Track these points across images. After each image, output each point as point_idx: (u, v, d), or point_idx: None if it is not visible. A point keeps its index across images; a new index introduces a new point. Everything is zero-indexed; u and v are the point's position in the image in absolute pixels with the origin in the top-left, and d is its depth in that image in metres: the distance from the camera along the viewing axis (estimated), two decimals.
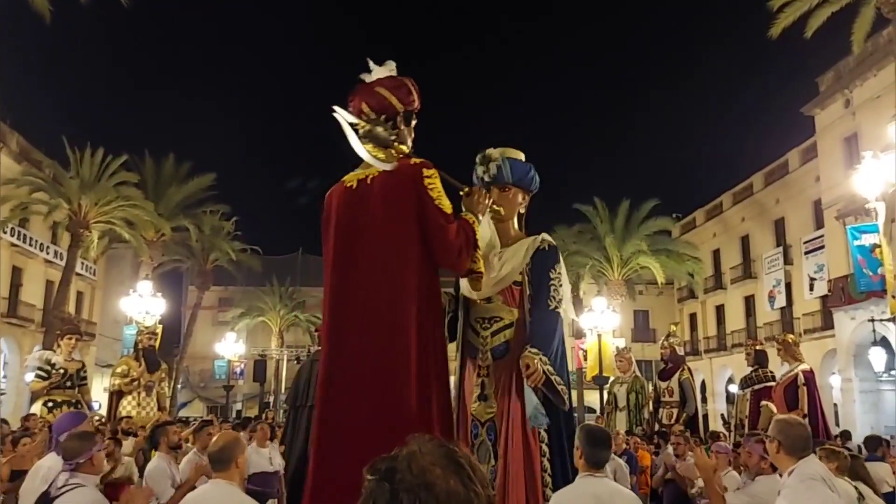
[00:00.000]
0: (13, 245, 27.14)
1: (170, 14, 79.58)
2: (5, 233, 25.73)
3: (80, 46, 67.71)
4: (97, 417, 10.82)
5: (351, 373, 3.33)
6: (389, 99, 3.64)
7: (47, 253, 29.43)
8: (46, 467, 4.38)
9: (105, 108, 72.85)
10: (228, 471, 3.53)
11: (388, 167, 3.48)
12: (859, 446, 8.91)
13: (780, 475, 3.66)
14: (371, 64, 3.73)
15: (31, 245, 28.28)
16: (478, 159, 4.17)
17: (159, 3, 74.49)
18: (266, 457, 7.69)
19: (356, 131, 3.60)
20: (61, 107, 56.57)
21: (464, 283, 3.97)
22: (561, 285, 3.99)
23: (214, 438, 3.82)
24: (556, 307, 3.90)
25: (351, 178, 3.63)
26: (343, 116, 3.59)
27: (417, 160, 3.54)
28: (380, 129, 3.61)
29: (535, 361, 3.56)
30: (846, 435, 12.17)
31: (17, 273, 28.17)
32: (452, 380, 3.73)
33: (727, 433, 11.07)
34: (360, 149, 3.54)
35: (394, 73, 3.72)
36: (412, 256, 3.42)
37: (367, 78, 3.72)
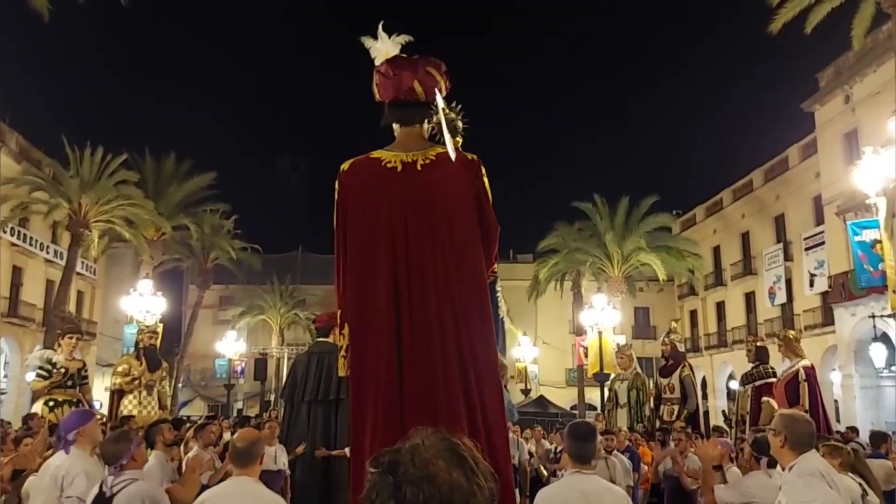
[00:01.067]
0: (13, 244, 27.15)
1: (169, 12, 79.61)
2: (5, 232, 25.73)
3: (79, 45, 67.75)
4: (98, 416, 10.83)
5: (419, 373, 3.14)
6: (440, 83, 3.50)
7: (47, 252, 29.43)
8: (55, 466, 4.37)
9: (105, 107, 72.84)
10: (252, 467, 3.59)
11: (453, 156, 3.37)
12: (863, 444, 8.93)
13: (782, 469, 3.66)
14: (381, 32, 3.53)
15: (31, 244, 28.28)
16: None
17: (159, 1, 74.51)
18: (271, 455, 7.70)
19: (423, 111, 3.47)
20: (61, 106, 56.61)
21: None
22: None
23: (238, 434, 3.89)
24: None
25: (390, 158, 3.44)
26: (439, 100, 3.41)
27: (471, 154, 3.50)
28: (452, 115, 3.56)
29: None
30: (854, 430, 12.18)
31: (17, 272, 28.19)
32: None
33: (728, 429, 11.07)
34: (448, 135, 3.39)
35: (398, 51, 3.56)
36: (478, 253, 3.39)
37: (378, 48, 3.54)
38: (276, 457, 7.62)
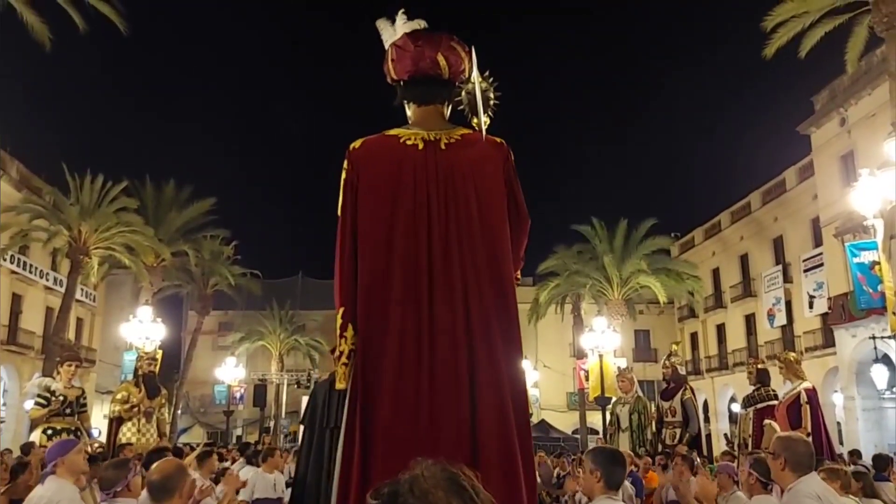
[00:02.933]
0: (13, 272, 27.14)
1: (169, 40, 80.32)
2: (5, 260, 25.73)
3: (79, 73, 68.27)
4: (97, 444, 10.75)
5: (442, 381, 2.78)
6: (464, 62, 3.23)
7: (47, 280, 29.42)
8: (37, 496, 4.33)
9: (105, 135, 73.22)
10: (170, 501, 3.35)
11: (484, 132, 3.13)
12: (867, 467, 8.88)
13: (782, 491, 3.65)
14: (400, 15, 3.24)
15: (31, 272, 28.27)
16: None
17: (158, 30, 75.25)
18: (271, 482, 7.66)
19: (452, 87, 3.19)
20: (61, 134, 56.93)
21: None
22: None
23: (156, 466, 3.58)
24: None
25: (408, 136, 3.13)
26: (475, 69, 3.19)
27: (498, 138, 3.19)
28: (486, 85, 3.30)
29: None
30: (856, 454, 12.11)
31: (16, 300, 28.14)
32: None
33: (734, 453, 11.00)
34: (482, 110, 3.16)
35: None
36: (508, 244, 3.07)
37: (392, 31, 3.24)
38: (276, 484, 7.58)
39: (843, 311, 23.29)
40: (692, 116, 79.58)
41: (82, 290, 29.72)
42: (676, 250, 36.62)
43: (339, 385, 2.95)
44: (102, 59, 78.29)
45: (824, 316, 25.94)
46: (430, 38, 3.17)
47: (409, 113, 3.30)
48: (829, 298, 24.91)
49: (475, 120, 3.26)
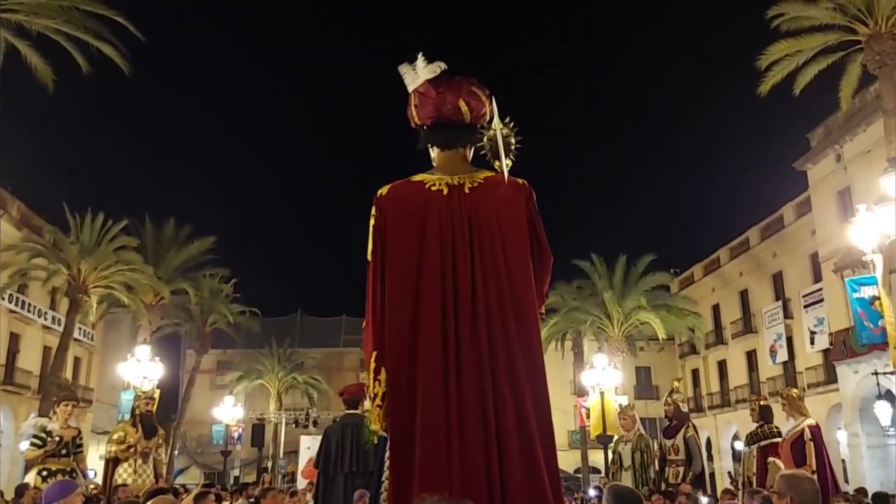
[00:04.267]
0: (11, 311, 27.04)
1: (170, 80, 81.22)
2: (3, 299, 25.66)
3: (81, 114, 68.87)
4: (92, 486, 10.61)
5: (471, 423, 2.84)
6: (486, 106, 3.35)
7: (45, 319, 29.31)
8: None
9: (106, 174, 73.62)
10: None
11: (506, 176, 3.27)
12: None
13: None
14: (420, 58, 3.32)
15: (29, 311, 28.18)
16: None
17: (161, 71, 76.11)
18: None
19: (474, 130, 3.33)
20: (63, 173, 57.25)
21: None
22: None
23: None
24: None
25: (433, 181, 3.22)
26: (495, 114, 3.35)
27: (521, 179, 3.31)
28: (507, 131, 3.44)
29: None
30: (862, 492, 11.95)
31: (14, 339, 28.00)
32: None
33: (735, 490, 10.85)
34: (504, 154, 3.31)
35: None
36: (532, 284, 3.14)
37: (413, 74, 3.32)
38: None
39: (845, 346, 23.17)
40: (690, 153, 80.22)
41: (80, 329, 29.61)
42: (676, 286, 36.60)
43: (374, 426, 3.05)
44: (104, 99, 79.12)
45: (826, 352, 25.82)
46: (451, 84, 3.28)
47: (432, 156, 3.41)
48: (831, 334, 24.82)
49: (497, 163, 3.38)
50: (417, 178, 3.26)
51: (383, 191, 3.24)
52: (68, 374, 28.38)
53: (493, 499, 2.73)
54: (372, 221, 3.20)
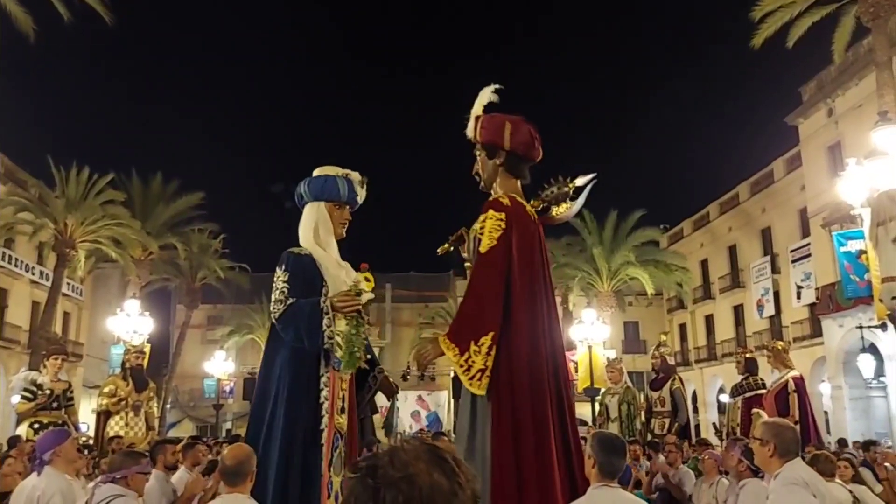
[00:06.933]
0: None
1: (154, 31, 79.69)
2: None
3: (64, 65, 67.67)
4: (84, 438, 10.68)
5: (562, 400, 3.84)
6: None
7: (33, 274, 29.19)
8: (31, 486, 4.31)
9: (91, 127, 72.67)
10: (243, 485, 3.50)
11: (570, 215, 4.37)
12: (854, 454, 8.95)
13: (768, 478, 3.65)
14: (491, 88, 4.13)
15: (16, 266, 28.04)
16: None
17: (143, 21, 74.64)
18: None
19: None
20: (46, 126, 56.37)
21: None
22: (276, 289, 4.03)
23: (227, 451, 3.75)
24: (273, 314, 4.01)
25: (528, 206, 4.06)
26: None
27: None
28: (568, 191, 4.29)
29: None
30: (842, 443, 12.19)
31: (2, 294, 27.95)
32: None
33: (720, 441, 11.04)
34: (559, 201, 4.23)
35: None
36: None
37: (486, 96, 4.09)
38: None
39: (831, 301, 23.44)
40: (681, 107, 79.83)
41: (69, 283, 29.53)
42: (665, 242, 36.72)
43: (481, 392, 3.61)
44: (88, 50, 77.68)
45: (812, 306, 26.12)
46: (539, 136, 4.09)
47: (499, 179, 4.04)
48: (817, 289, 25.08)
49: (555, 209, 4.29)
50: (518, 197, 3.97)
51: (505, 201, 3.84)
52: (57, 328, 28.39)
53: (567, 444, 3.73)
54: (500, 226, 3.74)
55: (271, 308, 4.00)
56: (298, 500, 3.72)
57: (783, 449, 3.44)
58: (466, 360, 3.55)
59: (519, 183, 4.06)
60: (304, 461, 3.80)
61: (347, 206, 4.31)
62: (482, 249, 3.73)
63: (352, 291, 3.97)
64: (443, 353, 3.64)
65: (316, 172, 4.34)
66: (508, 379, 3.60)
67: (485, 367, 3.55)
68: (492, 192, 4.03)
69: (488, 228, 3.72)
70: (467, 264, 4.20)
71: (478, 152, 4.09)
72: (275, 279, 4.02)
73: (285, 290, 3.95)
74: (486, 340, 3.58)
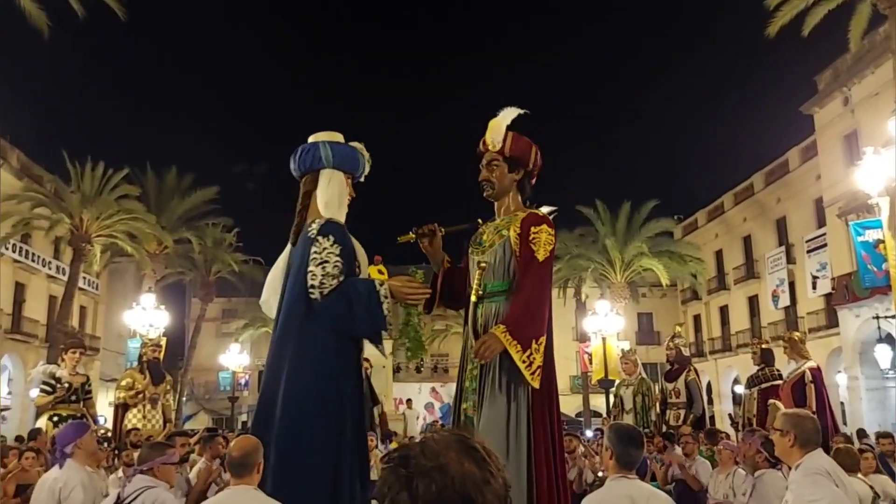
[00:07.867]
0: (15, 261, 27.15)
1: (168, 26, 79.92)
2: (7, 249, 25.75)
3: (79, 61, 68.05)
4: (103, 431, 10.78)
5: None
6: None
7: (49, 268, 29.44)
8: (52, 478, 4.37)
9: (106, 123, 73.05)
10: (250, 476, 3.50)
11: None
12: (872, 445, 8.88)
13: (789, 468, 3.63)
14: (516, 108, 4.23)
15: (33, 261, 28.30)
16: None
17: (159, 16, 74.92)
18: None
19: None
20: (62, 121, 56.82)
21: None
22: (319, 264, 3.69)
23: (234, 443, 3.75)
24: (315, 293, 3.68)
25: None
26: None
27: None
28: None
29: None
30: (862, 433, 12.09)
31: (19, 289, 28.19)
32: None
33: (735, 432, 11.00)
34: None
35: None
36: None
37: (510, 113, 4.20)
38: None
39: (847, 291, 23.25)
40: (696, 97, 79.25)
41: (85, 278, 29.77)
42: (679, 232, 36.53)
43: (536, 384, 3.83)
44: (102, 45, 78.05)
45: (828, 296, 25.92)
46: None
47: (518, 199, 4.26)
48: (833, 279, 24.87)
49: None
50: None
51: (551, 219, 4.24)
52: (74, 322, 28.62)
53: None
54: (552, 241, 4.06)
55: (317, 282, 3.62)
56: (358, 474, 3.69)
57: (804, 439, 3.42)
58: (528, 357, 3.78)
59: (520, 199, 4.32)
60: (358, 431, 3.78)
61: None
62: (540, 258, 3.99)
63: (417, 279, 3.98)
64: (504, 349, 3.76)
65: (322, 137, 4.08)
66: (548, 376, 3.94)
67: (542, 363, 3.83)
68: (502, 201, 4.24)
69: (544, 241, 4.02)
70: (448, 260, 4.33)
71: (496, 163, 4.16)
72: (319, 250, 3.67)
73: (339, 264, 3.67)
74: (543, 340, 3.89)
